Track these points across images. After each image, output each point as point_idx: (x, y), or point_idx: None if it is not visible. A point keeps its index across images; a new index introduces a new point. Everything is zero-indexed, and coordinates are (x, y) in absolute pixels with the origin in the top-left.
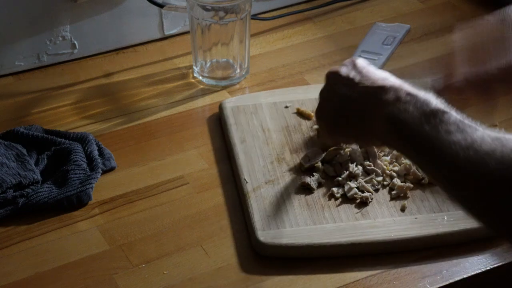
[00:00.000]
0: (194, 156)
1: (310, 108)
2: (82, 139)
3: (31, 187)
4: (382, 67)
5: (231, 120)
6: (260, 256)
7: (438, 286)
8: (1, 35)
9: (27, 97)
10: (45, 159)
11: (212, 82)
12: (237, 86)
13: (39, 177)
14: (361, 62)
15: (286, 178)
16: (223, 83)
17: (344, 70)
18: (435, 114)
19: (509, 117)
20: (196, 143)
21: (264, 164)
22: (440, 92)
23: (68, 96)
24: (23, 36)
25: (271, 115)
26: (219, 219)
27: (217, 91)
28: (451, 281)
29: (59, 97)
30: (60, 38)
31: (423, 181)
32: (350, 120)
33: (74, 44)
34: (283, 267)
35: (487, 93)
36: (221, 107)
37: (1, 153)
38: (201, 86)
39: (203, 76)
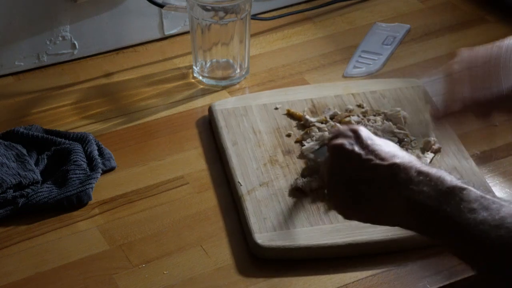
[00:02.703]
0: (194, 156)
1: (300, 109)
2: (82, 139)
3: (31, 187)
4: (382, 67)
5: (221, 123)
6: (259, 258)
7: (438, 286)
8: (1, 35)
9: (27, 97)
10: (45, 159)
11: (212, 82)
12: (237, 86)
13: (39, 177)
14: (364, 132)
15: (280, 180)
16: (223, 83)
17: (348, 145)
18: (453, 192)
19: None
20: (196, 143)
21: (258, 166)
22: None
23: (68, 96)
24: (23, 36)
25: (261, 117)
26: (219, 219)
27: (217, 91)
28: (451, 281)
29: (59, 97)
30: (60, 38)
31: None
32: (364, 201)
33: (74, 44)
34: (283, 268)
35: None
36: (210, 110)
37: (1, 153)
38: (201, 86)
39: (203, 76)
